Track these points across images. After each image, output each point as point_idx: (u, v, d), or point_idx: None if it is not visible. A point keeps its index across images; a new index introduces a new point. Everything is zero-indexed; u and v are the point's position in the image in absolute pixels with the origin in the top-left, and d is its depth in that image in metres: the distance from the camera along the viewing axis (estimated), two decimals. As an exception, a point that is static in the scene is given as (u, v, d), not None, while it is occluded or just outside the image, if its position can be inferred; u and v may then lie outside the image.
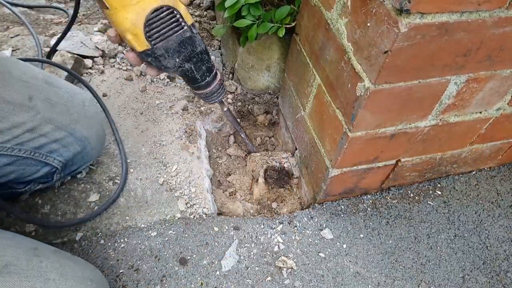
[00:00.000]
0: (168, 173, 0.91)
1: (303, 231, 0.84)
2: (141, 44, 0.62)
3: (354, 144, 0.70)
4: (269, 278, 0.76)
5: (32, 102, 0.68)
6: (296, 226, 0.85)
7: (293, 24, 0.87)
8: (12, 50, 1.11)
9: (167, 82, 1.11)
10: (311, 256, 0.81)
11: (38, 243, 0.63)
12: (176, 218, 0.83)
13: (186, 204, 0.86)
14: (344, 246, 0.83)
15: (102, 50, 1.13)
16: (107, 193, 0.85)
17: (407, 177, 0.91)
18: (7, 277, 0.53)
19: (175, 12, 0.62)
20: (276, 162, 0.98)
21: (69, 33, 0.91)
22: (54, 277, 0.57)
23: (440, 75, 0.61)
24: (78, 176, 0.86)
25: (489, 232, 0.90)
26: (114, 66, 1.12)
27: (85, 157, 0.80)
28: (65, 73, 1.00)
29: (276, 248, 0.81)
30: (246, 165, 1.06)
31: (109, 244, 0.77)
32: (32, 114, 0.68)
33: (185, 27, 0.64)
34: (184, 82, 1.12)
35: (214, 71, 0.75)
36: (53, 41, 1.06)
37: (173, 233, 0.80)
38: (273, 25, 0.88)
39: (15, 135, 0.66)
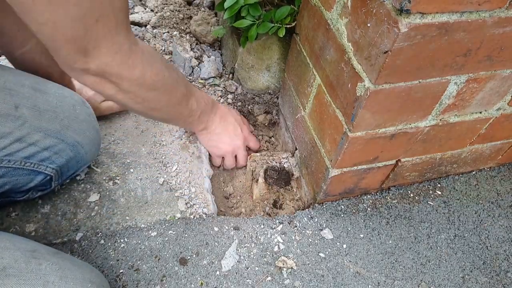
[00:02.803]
0: (168, 173, 0.91)
1: (303, 231, 0.84)
2: None
3: (354, 144, 0.70)
4: (269, 278, 0.76)
5: (18, 111, 0.67)
6: (296, 226, 0.85)
7: (293, 24, 0.88)
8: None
9: (167, 82, 1.11)
10: (311, 256, 0.81)
11: (37, 245, 0.62)
12: (176, 218, 0.83)
13: (186, 204, 0.86)
14: (344, 246, 0.83)
15: (102, 50, 1.13)
16: (107, 193, 0.85)
17: (407, 177, 0.91)
18: (5, 280, 0.53)
19: None
20: (276, 162, 0.98)
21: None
22: (54, 280, 0.56)
23: (440, 75, 0.61)
24: (77, 178, 0.86)
25: (489, 232, 0.90)
26: (114, 66, 1.12)
27: (80, 162, 0.79)
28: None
29: (276, 248, 0.81)
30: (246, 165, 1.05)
31: (109, 244, 0.77)
32: (19, 123, 0.67)
33: None
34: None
35: None
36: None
37: (173, 233, 0.80)
38: (273, 25, 0.88)
39: (2, 146, 0.65)
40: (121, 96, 0.65)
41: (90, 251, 0.76)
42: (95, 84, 0.61)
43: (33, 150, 0.69)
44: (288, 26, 0.87)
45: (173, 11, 1.29)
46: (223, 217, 0.87)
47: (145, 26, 1.23)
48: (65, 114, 0.74)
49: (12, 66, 0.81)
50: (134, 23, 1.22)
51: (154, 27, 1.23)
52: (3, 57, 1.09)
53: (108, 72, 0.59)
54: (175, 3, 1.33)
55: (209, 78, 1.15)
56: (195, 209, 0.86)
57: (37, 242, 0.64)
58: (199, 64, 1.16)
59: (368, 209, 0.89)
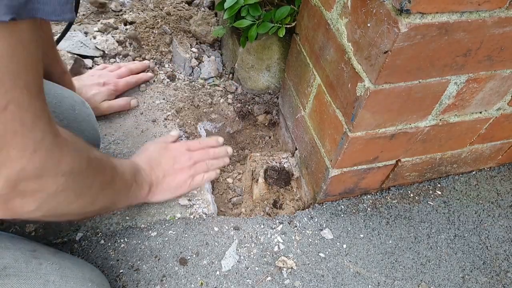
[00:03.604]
0: (168, 173, 0.91)
1: (303, 231, 0.84)
2: None
3: (354, 144, 0.70)
4: (269, 278, 0.76)
5: None
6: (296, 226, 0.85)
7: (293, 24, 0.88)
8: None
9: (167, 82, 1.11)
10: (311, 256, 0.81)
11: (37, 244, 0.62)
12: (176, 218, 0.83)
13: (186, 204, 0.86)
14: (344, 246, 0.83)
15: (103, 50, 1.13)
16: (107, 193, 0.85)
17: (407, 177, 0.91)
18: (6, 280, 0.53)
19: None
20: (276, 162, 0.98)
21: (69, 33, 0.91)
22: (54, 279, 0.56)
23: (440, 75, 0.61)
24: None
25: (489, 232, 0.90)
26: (114, 66, 1.12)
27: None
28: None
29: (276, 248, 0.81)
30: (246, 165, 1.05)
31: (109, 244, 0.77)
32: None
33: None
34: (184, 83, 1.12)
35: None
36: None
37: (173, 233, 0.80)
38: (273, 25, 0.88)
39: None
40: (47, 205, 0.48)
41: (90, 251, 0.76)
42: (3, 208, 0.43)
43: None
44: (288, 26, 0.87)
45: (173, 10, 1.29)
46: (223, 217, 0.87)
47: (145, 26, 1.23)
48: (64, 114, 0.73)
49: None
50: (133, 23, 1.22)
51: (153, 27, 1.23)
52: None
53: (23, 181, 0.42)
54: (175, 2, 1.33)
55: (209, 78, 1.15)
56: (195, 209, 0.86)
57: (37, 242, 0.64)
58: (199, 64, 1.16)
59: (368, 209, 0.89)
